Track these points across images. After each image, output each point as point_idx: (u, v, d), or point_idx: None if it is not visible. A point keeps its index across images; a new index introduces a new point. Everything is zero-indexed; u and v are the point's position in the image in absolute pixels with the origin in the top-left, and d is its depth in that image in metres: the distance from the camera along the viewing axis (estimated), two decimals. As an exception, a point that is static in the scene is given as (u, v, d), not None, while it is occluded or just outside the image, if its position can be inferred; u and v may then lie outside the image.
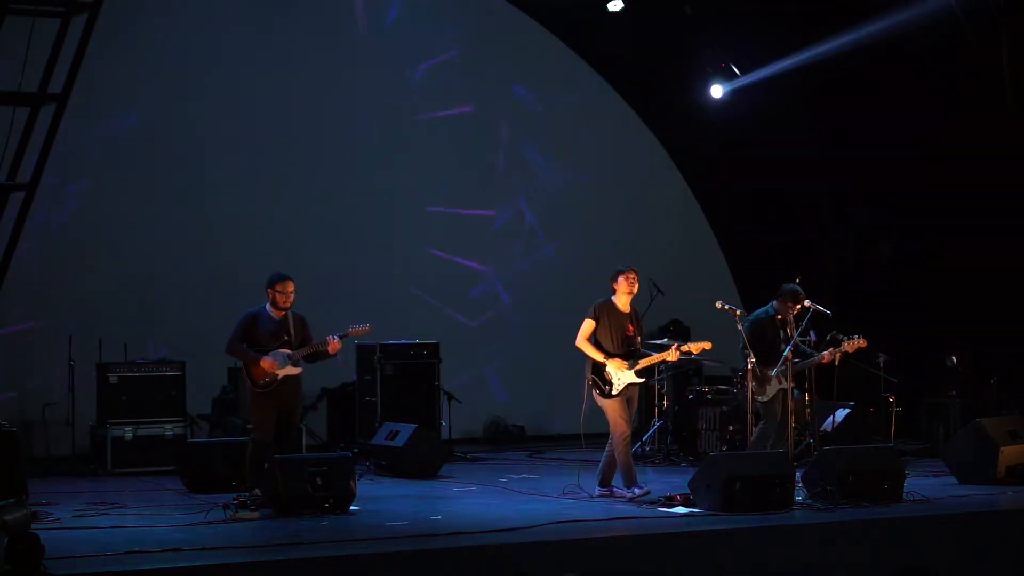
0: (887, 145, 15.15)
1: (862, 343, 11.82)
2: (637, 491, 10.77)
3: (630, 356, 10.89)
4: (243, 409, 13.52)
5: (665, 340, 12.91)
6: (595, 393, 10.93)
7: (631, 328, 10.98)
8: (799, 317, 11.67)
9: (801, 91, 15.36)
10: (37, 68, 9.63)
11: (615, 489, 10.95)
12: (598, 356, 10.85)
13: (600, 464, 11.13)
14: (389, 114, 16.08)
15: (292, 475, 10.13)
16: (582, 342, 10.92)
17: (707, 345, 11.21)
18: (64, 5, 9.74)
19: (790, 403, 11.36)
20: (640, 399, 11.52)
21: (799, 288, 11.55)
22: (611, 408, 10.85)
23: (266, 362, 10.53)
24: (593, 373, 10.90)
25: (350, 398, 14.91)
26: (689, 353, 11.34)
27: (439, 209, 16.30)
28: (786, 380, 11.36)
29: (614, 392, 10.82)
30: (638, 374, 10.88)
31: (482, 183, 16.58)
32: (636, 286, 11.06)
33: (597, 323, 10.91)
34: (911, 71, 14.53)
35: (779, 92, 15.45)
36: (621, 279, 10.96)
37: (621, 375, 10.78)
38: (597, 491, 11.00)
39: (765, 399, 11.44)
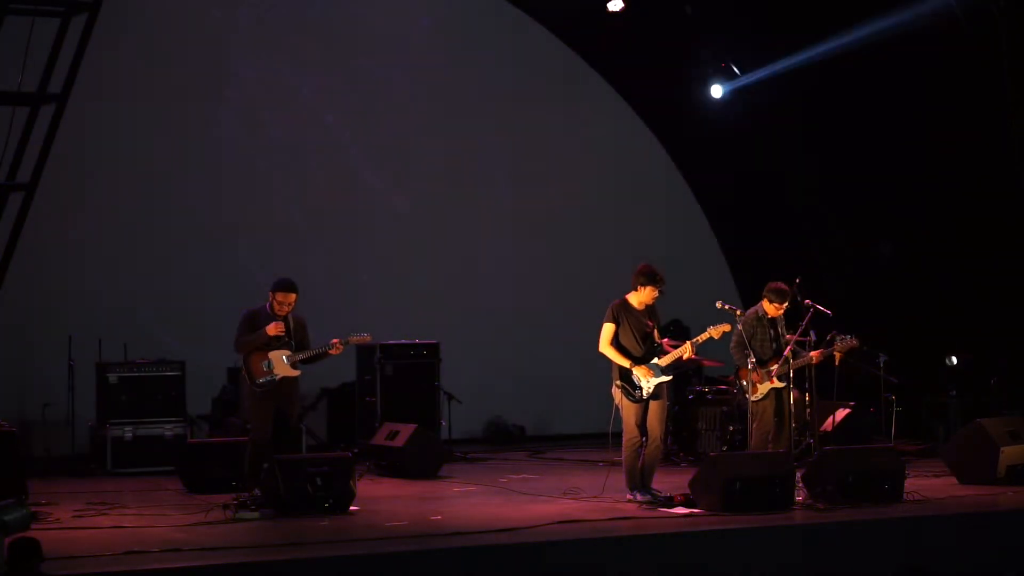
0: (887, 145, 15.16)
1: (853, 343, 11.81)
2: (639, 496, 10.73)
3: (651, 354, 10.78)
4: (243, 409, 13.52)
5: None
6: (621, 395, 10.77)
7: (650, 323, 10.82)
8: (793, 316, 11.67)
9: (801, 90, 15.36)
10: (37, 68, 9.63)
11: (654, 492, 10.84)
12: (624, 362, 10.68)
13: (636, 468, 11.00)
14: (388, 113, 16.08)
15: (292, 475, 10.13)
16: (605, 347, 10.75)
17: (715, 333, 11.06)
18: (64, 5, 9.74)
19: (789, 403, 11.33)
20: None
21: (785, 287, 11.51)
22: (630, 412, 10.73)
23: (273, 356, 10.55)
24: (621, 379, 10.74)
25: (350, 398, 14.93)
26: (705, 342, 11.20)
27: (438, 208, 16.33)
28: (780, 380, 11.32)
29: (644, 396, 10.71)
30: (665, 371, 10.79)
31: (481, 183, 16.58)
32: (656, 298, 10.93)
33: (617, 326, 10.77)
34: (911, 70, 14.53)
35: (779, 92, 15.46)
36: (649, 288, 10.70)
37: (649, 380, 10.71)
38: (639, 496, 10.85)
39: (756, 398, 11.41)
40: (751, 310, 11.58)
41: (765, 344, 11.42)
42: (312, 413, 14.83)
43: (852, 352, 12.13)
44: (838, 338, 11.80)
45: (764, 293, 11.55)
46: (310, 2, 15.86)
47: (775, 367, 11.31)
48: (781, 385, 11.34)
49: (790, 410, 11.30)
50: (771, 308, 11.50)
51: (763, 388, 11.36)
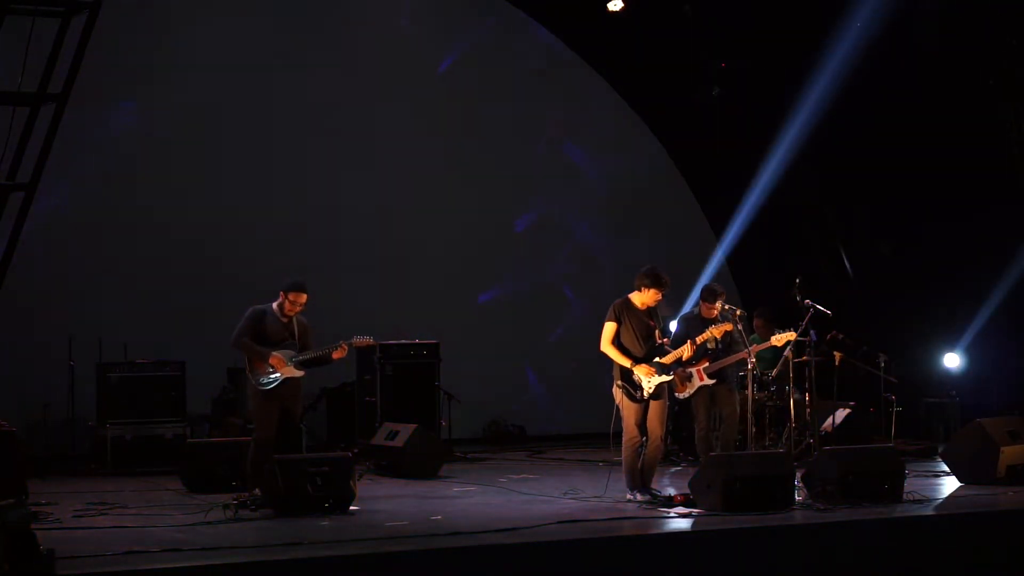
0: (887, 144, 15.15)
1: (791, 336, 11.81)
2: (638, 496, 10.74)
3: (653, 353, 10.78)
4: (243, 409, 13.53)
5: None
6: (622, 395, 10.76)
7: (652, 323, 10.81)
8: (793, 316, 11.69)
9: (801, 90, 15.36)
10: (37, 68, 9.61)
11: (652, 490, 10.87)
12: (625, 362, 10.68)
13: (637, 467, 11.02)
14: (387, 113, 16.08)
15: (292, 475, 10.13)
16: (607, 346, 10.75)
17: (717, 332, 11.15)
18: (64, 5, 9.73)
19: (732, 401, 11.35)
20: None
21: (714, 287, 11.60)
22: (631, 412, 10.73)
23: (274, 358, 10.61)
24: (623, 379, 10.73)
25: (350, 398, 14.93)
26: (703, 343, 11.31)
27: (438, 207, 16.33)
28: (711, 377, 11.37)
29: (645, 396, 10.72)
30: (667, 370, 10.78)
31: (482, 183, 16.58)
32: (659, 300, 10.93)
33: (619, 325, 10.77)
34: (911, 69, 14.53)
35: (778, 91, 15.45)
36: (653, 291, 10.70)
37: (650, 379, 10.71)
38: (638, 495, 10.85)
39: (685, 396, 11.55)
40: (688, 309, 11.65)
41: (702, 344, 11.44)
42: (312, 413, 14.82)
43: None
44: (777, 331, 11.84)
45: (700, 294, 11.65)
46: (310, 3, 15.87)
47: (702, 366, 11.35)
48: (711, 382, 11.37)
49: (733, 409, 11.34)
50: (704, 308, 11.57)
51: (692, 386, 11.43)
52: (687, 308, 16.04)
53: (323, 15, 15.82)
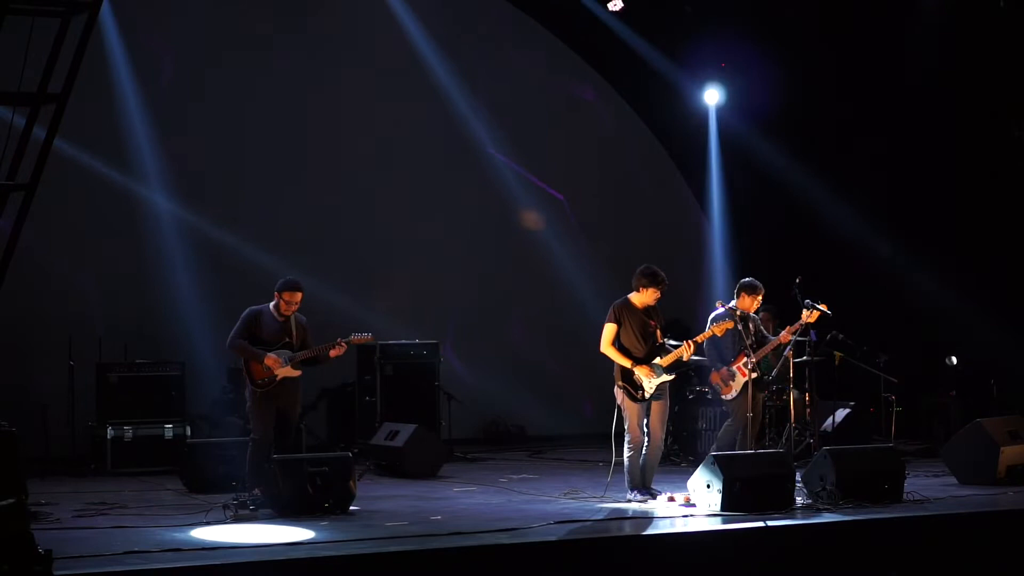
0: (887, 143, 15.15)
1: (823, 307, 11.65)
2: (638, 496, 10.74)
3: (654, 353, 10.78)
4: (243, 409, 13.51)
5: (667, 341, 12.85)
6: (623, 396, 10.76)
7: (652, 323, 10.83)
8: (793, 316, 11.65)
9: (801, 90, 15.36)
10: (37, 68, 9.62)
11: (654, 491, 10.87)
12: (626, 362, 10.69)
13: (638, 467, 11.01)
14: (386, 113, 16.07)
15: (292, 475, 10.14)
16: (607, 347, 10.75)
17: (718, 331, 11.13)
18: (64, 5, 9.72)
19: (758, 402, 11.34)
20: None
21: (757, 282, 11.50)
22: (633, 412, 10.73)
23: (269, 359, 10.61)
24: (623, 380, 10.72)
25: (350, 398, 14.93)
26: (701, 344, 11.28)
27: (438, 207, 16.33)
28: (751, 373, 11.31)
29: (647, 396, 10.71)
30: (667, 371, 10.79)
31: (481, 183, 16.58)
32: (658, 299, 10.93)
33: (619, 326, 10.78)
34: (910, 67, 14.53)
35: (779, 91, 15.45)
36: (651, 289, 10.73)
37: (651, 380, 10.70)
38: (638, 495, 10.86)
39: (731, 396, 11.40)
40: (722, 309, 11.51)
41: (738, 341, 11.41)
42: (312, 413, 14.82)
43: (847, 351, 12.08)
44: (807, 305, 11.71)
45: (737, 289, 11.55)
46: (309, 4, 15.88)
47: (740, 362, 11.30)
48: (754, 375, 11.28)
49: (758, 413, 11.31)
50: (747, 302, 11.47)
51: (736, 384, 11.35)
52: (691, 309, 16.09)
53: (322, 13, 15.82)
